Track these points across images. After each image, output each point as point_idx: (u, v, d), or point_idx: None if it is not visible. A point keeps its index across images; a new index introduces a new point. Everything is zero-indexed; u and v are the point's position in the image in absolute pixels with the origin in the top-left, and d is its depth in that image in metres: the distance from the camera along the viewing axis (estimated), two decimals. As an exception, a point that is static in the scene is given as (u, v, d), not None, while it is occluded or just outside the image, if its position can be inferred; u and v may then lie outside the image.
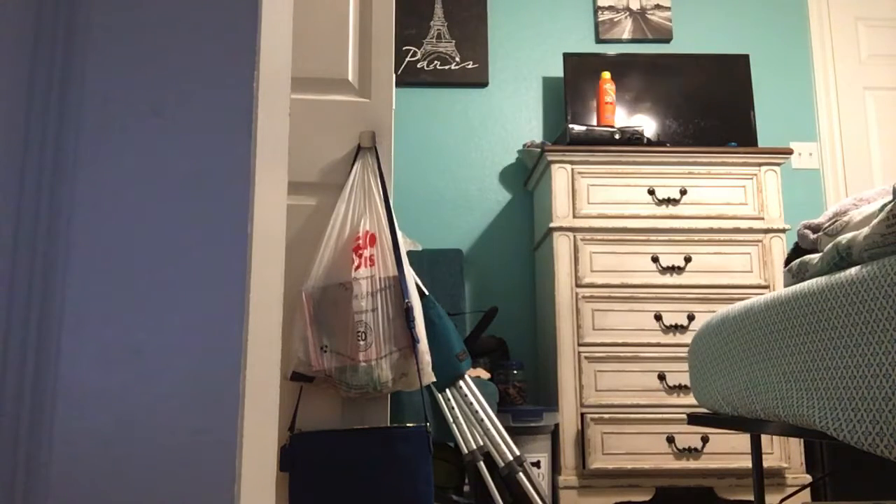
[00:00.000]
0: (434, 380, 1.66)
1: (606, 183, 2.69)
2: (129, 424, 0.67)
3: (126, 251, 0.70)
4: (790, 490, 2.48)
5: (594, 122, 3.06)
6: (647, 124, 3.14)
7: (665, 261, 2.63)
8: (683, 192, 2.68)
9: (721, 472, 2.49)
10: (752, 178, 2.71)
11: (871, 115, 3.38)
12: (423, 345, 1.63)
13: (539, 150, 2.96)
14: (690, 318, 2.58)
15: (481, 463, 1.84)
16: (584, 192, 2.68)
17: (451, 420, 1.84)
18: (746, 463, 2.47)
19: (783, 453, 2.51)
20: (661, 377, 2.54)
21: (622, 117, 3.13)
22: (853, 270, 1.07)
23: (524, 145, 3.12)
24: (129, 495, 0.66)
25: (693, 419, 1.72)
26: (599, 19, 3.40)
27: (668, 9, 3.41)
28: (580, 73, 3.18)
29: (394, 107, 1.84)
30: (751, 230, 2.66)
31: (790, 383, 1.20)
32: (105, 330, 0.68)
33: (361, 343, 1.58)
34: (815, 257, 1.31)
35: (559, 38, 3.39)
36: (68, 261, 0.69)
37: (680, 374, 2.54)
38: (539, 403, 2.83)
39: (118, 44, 0.73)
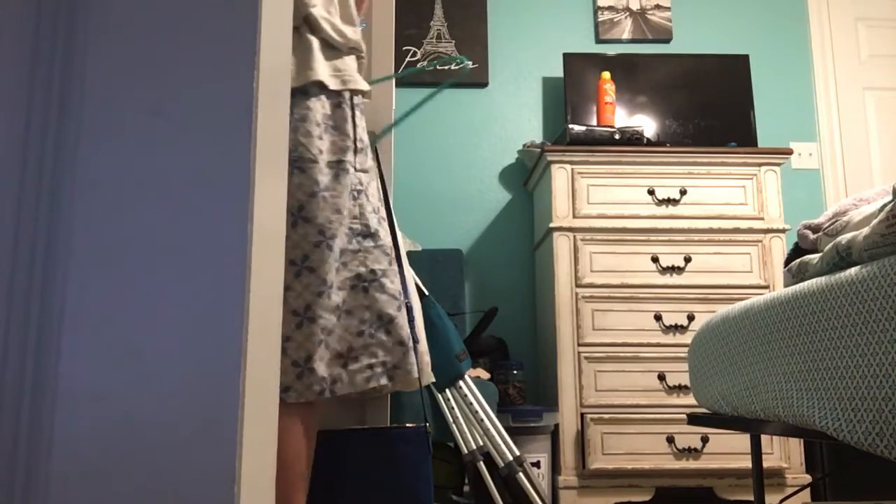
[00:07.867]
0: (434, 380, 1.66)
1: (606, 183, 2.69)
2: (129, 424, 0.67)
3: (126, 251, 0.70)
4: (790, 490, 2.48)
5: (594, 122, 3.06)
6: (647, 124, 3.14)
7: (665, 261, 2.63)
8: (683, 193, 2.68)
9: (721, 472, 2.49)
10: (751, 179, 2.71)
11: (871, 115, 3.38)
12: (423, 345, 1.62)
13: (539, 150, 2.96)
14: (690, 318, 2.58)
15: (481, 463, 1.84)
16: (584, 192, 2.68)
17: (451, 420, 1.84)
18: (746, 463, 2.46)
19: (783, 453, 2.51)
20: (661, 377, 2.54)
21: (622, 117, 3.13)
22: (853, 270, 1.07)
23: (524, 145, 3.12)
24: (129, 495, 0.66)
25: (693, 419, 1.72)
26: (599, 19, 3.40)
27: (668, 9, 3.41)
28: (580, 73, 3.18)
29: (394, 107, 1.84)
30: (751, 230, 2.66)
31: (790, 383, 1.20)
32: (105, 330, 0.68)
33: (361, 343, 1.58)
34: (814, 257, 1.31)
35: (559, 38, 3.39)
36: (68, 261, 0.69)
37: (680, 374, 2.54)
38: (539, 403, 2.83)
39: (118, 44, 0.73)
